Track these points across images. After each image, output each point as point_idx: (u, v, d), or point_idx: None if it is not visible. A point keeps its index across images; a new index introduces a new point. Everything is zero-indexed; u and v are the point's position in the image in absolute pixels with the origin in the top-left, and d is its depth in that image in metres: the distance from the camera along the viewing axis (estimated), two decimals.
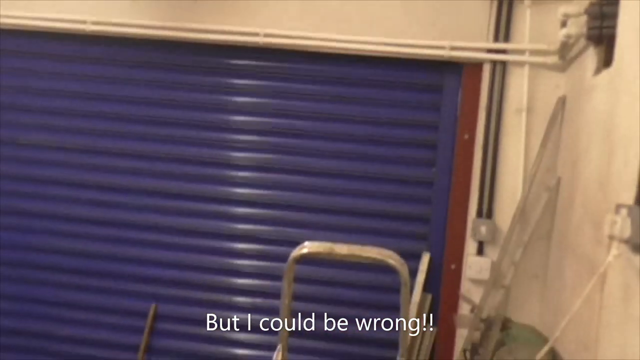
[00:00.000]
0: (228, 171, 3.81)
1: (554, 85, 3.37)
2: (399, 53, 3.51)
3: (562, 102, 3.26)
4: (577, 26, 2.79)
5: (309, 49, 3.60)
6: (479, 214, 3.50)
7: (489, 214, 3.49)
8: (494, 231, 3.47)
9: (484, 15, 3.43)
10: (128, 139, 3.85)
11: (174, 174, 3.83)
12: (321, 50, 3.59)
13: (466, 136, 3.52)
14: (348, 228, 3.70)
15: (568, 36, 2.87)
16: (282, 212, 3.77)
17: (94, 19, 3.71)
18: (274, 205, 3.78)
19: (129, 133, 3.85)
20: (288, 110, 3.74)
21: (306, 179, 3.75)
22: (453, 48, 3.43)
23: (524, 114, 3.40)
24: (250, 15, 3.62)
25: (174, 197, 3.84)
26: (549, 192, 3.30)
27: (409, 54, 3.50)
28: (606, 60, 2.54)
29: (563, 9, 2.86)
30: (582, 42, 2.84)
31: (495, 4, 3.41)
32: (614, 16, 2.41)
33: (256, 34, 3.59)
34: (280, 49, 3.64)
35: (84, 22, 3.72)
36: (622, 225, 1.83)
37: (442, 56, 3.46)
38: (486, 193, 3.48)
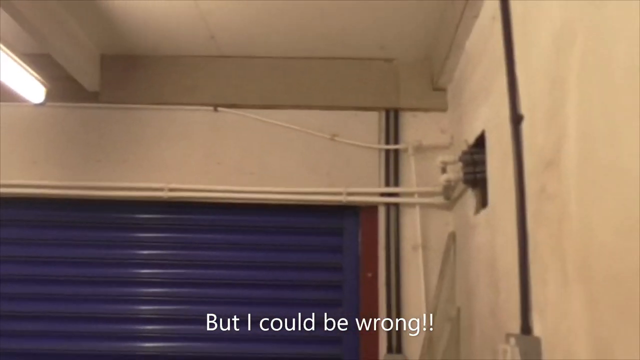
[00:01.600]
0: (135, 325, 3.74)
1: (443, 222, 3.66)
2: (298, 200, 3.72)
3: (452, 237, 3.54)
4: (455, 171, 3.13)
5: (213, 201, 3.74)
6: (389, 349, 3.60)
7: (399, 349, 3.59)
8: None
9: (373, 163, 3.75)
10: (33, 300, 3.73)
11: (84, 333, 3.70)
12: (224, 201, 3.74)
13: (369, 275, 3.70)
14: None
15: (448, 180, 3.20)
16: None
17: None
18: (183, 357, 3.70)
19: (35, 294, 3.73)
20: (194, 261, 3.79)
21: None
22: (349, 193, 3.69)
23: (420, 251, 3.65)
24: (154, 171, 3.75)
25: (82, 358, 3.68)
26: (451, 322, 3.47)
27: (308, 200, 3.72)
28: (483, 201, 2.84)
29: (441, 157, 3.21)
30: (462, 184, 3.16)
31: (382, 153, 3.76)
32: (484, 162, 2.75)
33: (161, 189, 3.70)
34: (184, 202, 3.75)
35: None
36: (512, 354, 1.99)
37: (340, 201, 3.70)
38: (394, 329, 3.61)
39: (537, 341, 1.94)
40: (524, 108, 2.07)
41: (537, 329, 1.96)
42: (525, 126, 2.06)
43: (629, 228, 1.28)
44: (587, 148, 1.53)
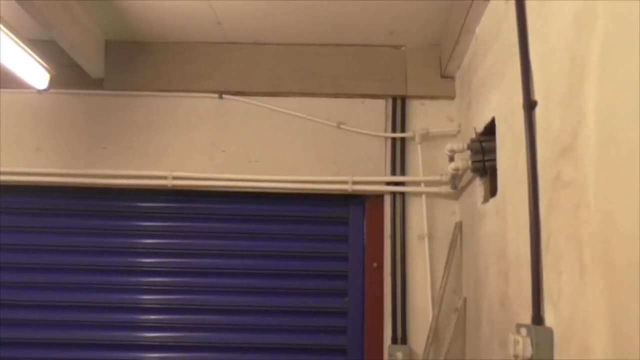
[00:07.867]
0: (138, 315, 3.72)
1: (450, 212, 3.63)
2: (304, 189, 3.67)
3: (459, 227, 3.50)
4: (463, 160, 3.08)
5: (217, 189, 3.70)
6: (394, 340, 3.57)
7: (404, 340, 3.56)
8: (410, 356, 3.53)
9: (380, 152, 3.71)
10: (34, 288, 3.70)
11: (85, 322, 3.68)
12: (229, 190, 3.70)
13: (375, 265, 3.66)
14: None
15: (456, 169, 3.15)
16: (195, 354, 3.67)
17: None
18: (186, 347, 3.68)
19: (37, 283, 3.70)
20: (197, 250, 3.76)
21: (220, 317, 3.71)
22: (355, 182, 3.64)
23: (426, 240, 3.61)
24: (158, 158, 3.71)
25: (84, 348, 3.66)
26: (457, 313, 3.44)
27: (314, 189, 3.68)
28: (492, 190, 2.80)
29: (449, 146, 3.17)
30: (470, 173, 3.12)
31: (389, 141, 3.71)
32: (493, 150, 2.70)
33: (165, 177, 3.66)
34: (188, 190, 3.72)
35: None
36: (523, 344, 1.95)
37: (346, 190, 3.65)
38: (399, 319, 3.57)
39: (549, 332, 1.90)
40: (537, 93, 2.02)
41: (550, 320, 1.92)
42: (539, 112, 2.01)
43: None
44: (607, 132, 1.49)
